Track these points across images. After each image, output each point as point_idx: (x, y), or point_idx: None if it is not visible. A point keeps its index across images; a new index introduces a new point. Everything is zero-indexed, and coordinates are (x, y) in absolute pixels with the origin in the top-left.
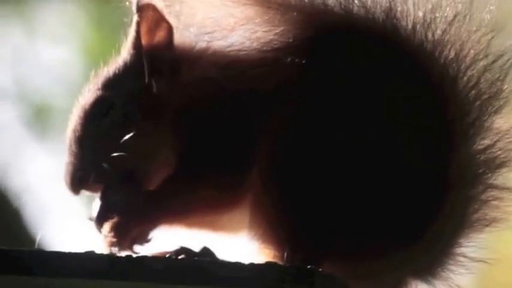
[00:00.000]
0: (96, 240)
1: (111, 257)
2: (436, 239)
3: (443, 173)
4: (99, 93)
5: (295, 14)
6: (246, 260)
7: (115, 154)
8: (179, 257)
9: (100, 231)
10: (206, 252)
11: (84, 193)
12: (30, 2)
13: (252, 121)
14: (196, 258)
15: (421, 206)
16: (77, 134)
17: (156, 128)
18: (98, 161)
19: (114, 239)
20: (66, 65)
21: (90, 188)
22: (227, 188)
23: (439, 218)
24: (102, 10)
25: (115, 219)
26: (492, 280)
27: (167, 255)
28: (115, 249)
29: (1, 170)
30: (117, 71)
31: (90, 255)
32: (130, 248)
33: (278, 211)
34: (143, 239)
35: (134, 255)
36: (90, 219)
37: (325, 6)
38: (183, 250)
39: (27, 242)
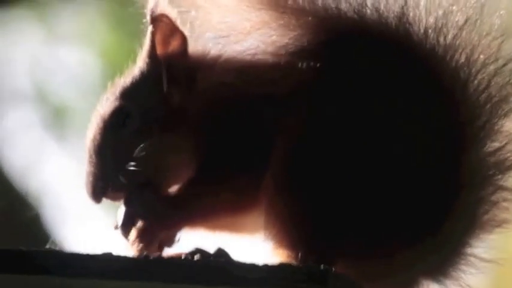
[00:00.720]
0: (115, 242)
1: (127, 258)
2: (447, 239)
3: (454, 174)
4: (116, 103)
5: (309, 18)
6: (260, 261)
7: (133, 164)
8: (194, 258)
9: (126, 237)
10: (221, 253)
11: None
12: (49, 5)
13: (267, 125)
14: (211, 259)
15: (432, 207)
16: (96, 143)
17: (174, 136)
18: (117, 170)
19: (142, 245)
20: (84, 68)
21: (112, 197)
22: (245, 190)
23: (450, 219)
24: (120, 13)
25: (140, 226)
26: (503, 280)
27: (183, 256)
28: (146, 253)
29: (20, 172)
30: (133, 81)
31: (107, 257)
32: (159, 251)
33: (291, 212)
34: (170, 242)
35: (150, 257)
36: (116, 227)
37: (338, 10)
38: (198, 251)
39: (46, 243)
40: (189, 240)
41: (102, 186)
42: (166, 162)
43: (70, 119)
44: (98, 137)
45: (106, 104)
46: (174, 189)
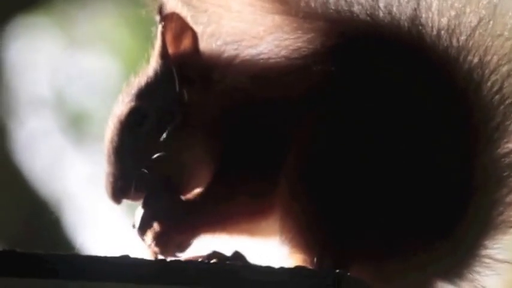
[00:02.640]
0: (133, 246)
1: (144, 261)
2: (462, 241)
3: (469, 176)
4: (132, 103)
5: (322, 21)
6: (276, 264)
7: (151, 163)
8: (211, 261)
9: (143, 239)
10: (237, 256)
11: (126, 202)
12: (68, 12)
13: (281, 129)
14: (227, 262)
15: (447, 208)
16: (114, 144)
17: (190, 136)
18: (136, 170)
19: (157, 248)
20: (103, 73)
21: (131, 197)
22: (261, 195)
23: (465, 220)
24: (138, 18)
25: (157, 229)
26: None
27: (200, 260)
28: (160, 255)
29: (40, 177)
30: (148, 81)
31: (124, 260)
32: (173, 255)
33: (307, 217)
34: (185, 246)
35: (168, 260)
36: (133, 226)
37: (351, 13)
38: (215, 254)
39: (66, 248)
40: (206, 243)
41: (121, 187)
42: (182, 161)
43: (90, 125)
44: (115, 137)
45: (122, 104)
46: (192, 193)
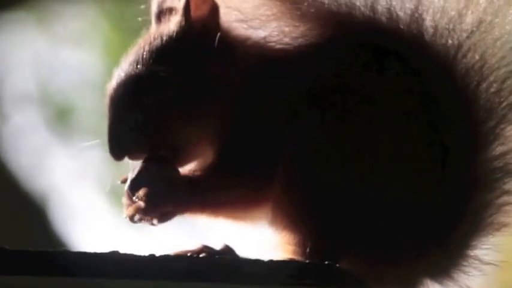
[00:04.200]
0: (122, 240)
1: (134, 256)
2: (457, 246)
3: (467, 178)
4: (152, 66)
5: (323, 12)
6: (265, 257)
7: (163, 122)
8: (200, 255)
9: (131, 196)
10: (227, 250)
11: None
12: (50, 7)
13: (282, 122)
14: (217, 256)
15: (443, 214)
16: (123, 100)
17: (203, 110)
18: (142, 129)
19: (143, 206)
20: (88, 67)
21: (132, 156)
22: (258, 185)
23: (461, 226)
24: (123, 12)
25: (152, 190)
26: (504, 283)
27: (189, 254)
28: (137, 216)
29: (26, 172)
30: (165, 46)
31: (113, 255)
32: (151, 220)
33: (299, 208)
34: (168, 218)
35: (157, 255)
36: (123, 181)
37: (352, 6)
38: (205, 249)
39: (54, 243)
40: (195, 237)
41: (124, 143)
42: (189, 134)
43: (74, 119)
44: (126, 94)
45: (135, 65)
46: (187, 168)
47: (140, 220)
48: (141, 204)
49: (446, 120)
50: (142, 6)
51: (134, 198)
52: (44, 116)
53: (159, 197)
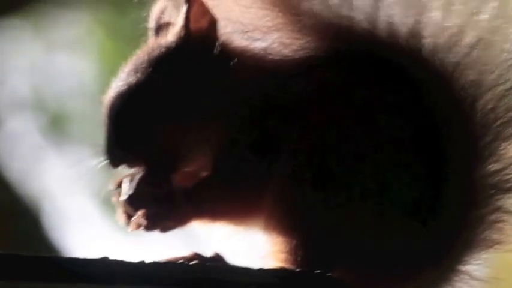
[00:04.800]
0: (113, 246)
1: (124, 263)
2: (450, 266)
3: (462, 190)
4: (150, 76)
5: (322, 24)
6: (256, 266)
7: (164, 132)
8: (191, 263)
9: (130, 209)
10: (218, 257)
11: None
12: (46, 14)
13: (276, 135)
14: (208, 263)
15: (439, 236)
16: (123, 107)
17: (204, 122)
18: (143, 139)
19: (145, 224)
20: (82, 74)
21: (130, 164)
22: (253, 194)
23: (455, 249)
24: (117, 20)
25: (151, 204)
26: None
27: (180, 261)
28: (139, 230)
29: (19, 177)
30: (167, 55)
31: (104, 261)
32: (151, 231)
33: (292, 216)
34: (170, 228)
35: (147, 262)
36: (117, 186)
37: (351, 19)
38: (195, 256)
39: (46, 249)
40: (186, 244)
41: (120, 153)
42: (186, 143)
43: (68, 126)
44: (125, 101)
45: (135, 74)
46: (183, 177)
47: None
48: (143, 222)
49: (442, 135)
50: (137, 9)
51: (135, 218)
52: (38, 122)
53: (159, 216)
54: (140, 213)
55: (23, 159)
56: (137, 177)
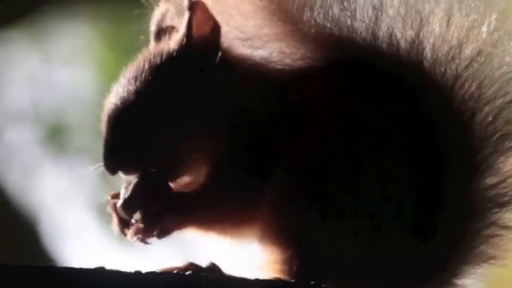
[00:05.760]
0: (109, 257)
1: (119, 273)
2: (447, 274)
3: (457, 204)
4: (150, 83)
5: (324, 35)
6: (252, 276)
7: (162, 142)
8: (186, 273)
9: (124, 214)
10: (213, 268)
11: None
12: (45, 26)
13: (273, 143)
14: (203, 273)
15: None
16: (123, 116)
17: (203, 130)
18: (142, 145)
19: (143, 227)
20: (80, 86)
21: (128, 171)
22: (249, 205)
23: (453, 261)
24: (116, 31)
25: (149, 209)
26: None
27: (175, 271)
28: (137, 237)
29: (18, 189)
30: (168, 62)
31: (99, 271)
32: (150, 237)
33: (287, 226)
34: (167, 234)
35: (143, 272)
36: (113, 197)
37: (352, 30)
38: (191, 266)
39: (41, 258)
40: (181, 255)
41: (118, 158)
42: (184, 149)
43: (67, 137)
44: (124, 110)
45: (135, 82)
46: (180, 184)
47: (140, 240)
48: (141, 226)
49: (441, 148)
50: (137, 11)
51: (133, 220)
52: (36, 134)
53: (155, 216)
54: (137, 217)
55: (21, 170)
56: (133, 182)
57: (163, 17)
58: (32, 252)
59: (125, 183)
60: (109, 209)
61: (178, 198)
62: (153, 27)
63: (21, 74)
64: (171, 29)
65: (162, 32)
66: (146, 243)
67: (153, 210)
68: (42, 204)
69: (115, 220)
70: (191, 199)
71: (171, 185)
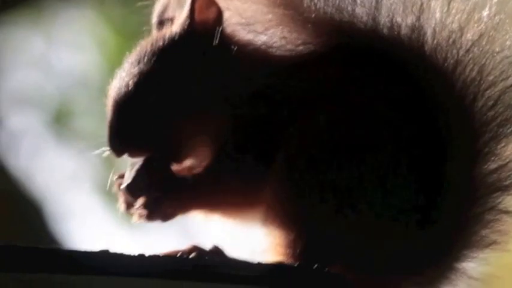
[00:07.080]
0: (115, 240)
1: (124, 256)
2: (448, 258)
3: (464, 187)
4: (154, 66)
5: (324, 20)
6: (255, 259)
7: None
8: (190, 256)
9: (129, 197)
10: (216, 251)
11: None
12: (50, 10)
13: (276, 127)
14: (206, 257)
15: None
16: (128, 99)
17: (205, 113)
18: (146, 127)
19: (147, 211)
20: (85, 70)
21: (133, 153)
22: (251, 187)
23: (454, 250)
24: (120, 15)
25: (152, 193)
26: None
27: (179, 254)
28: (142, 221)
29: (23, 173)
30: (170, 46)
31: (104, 254)
32: (155, 221)
33: (291, 209)
34: (171, 217)
35: (146, 255)
36: (119, 177)
37: (353, 15)
38: (194, 249)
39: (47, 240)
40: (185, 237)
41: (123, 141)
42: (188, 132)
43: (72, 121)
44: (129, 94)
45: (139, 64)
46: (184, 168)
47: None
48: (144, 211)
49: (442, 132)
50: (140, 4)
51: (136, 206)
52: (41, 118)
53: (158, 202)
54: (140, 201)
55: (26, 153)
56: (138, 165)
57: (164, 8)
58: (37, 234)
59: (130, 165)
60: (115, 188)
61: (181, 182)
62: (154, 19)
63: (25, 58)
64: (172, 20)
65: (163, 23)
66: (152, 222)
67: (154, 196)
68: (47, 187)
69: (120, 200)
70: (194, 182)
71: (175, 167)
